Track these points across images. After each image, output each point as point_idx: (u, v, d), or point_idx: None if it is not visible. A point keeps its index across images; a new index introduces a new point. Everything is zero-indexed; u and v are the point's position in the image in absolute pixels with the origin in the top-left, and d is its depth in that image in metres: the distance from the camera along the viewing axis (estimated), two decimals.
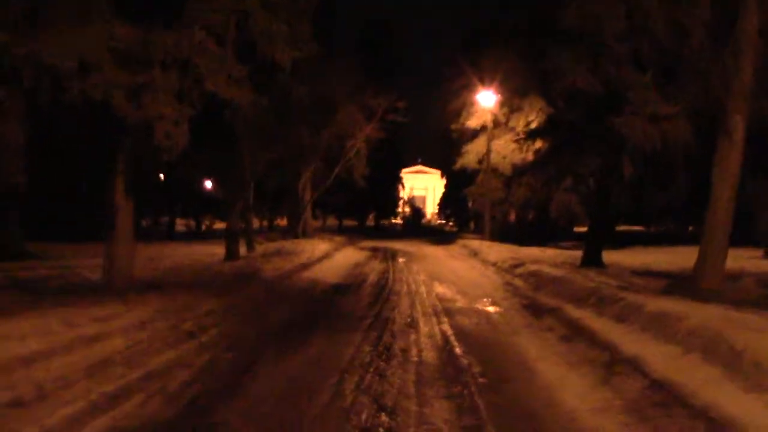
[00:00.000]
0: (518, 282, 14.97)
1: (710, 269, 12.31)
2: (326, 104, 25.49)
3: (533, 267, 16.28)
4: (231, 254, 19.86)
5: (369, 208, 66.25)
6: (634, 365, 6.47)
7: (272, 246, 25.35)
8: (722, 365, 5.84)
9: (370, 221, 71.15)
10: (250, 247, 24.43)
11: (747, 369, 5.53)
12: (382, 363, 6.77)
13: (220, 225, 42.60)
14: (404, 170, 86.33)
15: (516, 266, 17.50)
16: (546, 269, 15.39)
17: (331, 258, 23.38)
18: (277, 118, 15.93)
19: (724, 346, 6.07)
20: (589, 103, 14.46)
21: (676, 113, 11.69)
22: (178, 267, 18.25)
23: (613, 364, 6.71)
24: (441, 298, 12.21)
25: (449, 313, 10.38)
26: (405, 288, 13.90)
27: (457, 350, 7.47)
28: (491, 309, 10.98)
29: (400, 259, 23.08)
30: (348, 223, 68.55)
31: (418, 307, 10.93)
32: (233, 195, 20.57)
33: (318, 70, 23.49)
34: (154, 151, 10.01)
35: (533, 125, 26.33)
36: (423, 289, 13.76)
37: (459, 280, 15.74)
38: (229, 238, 20.18)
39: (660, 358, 6.51)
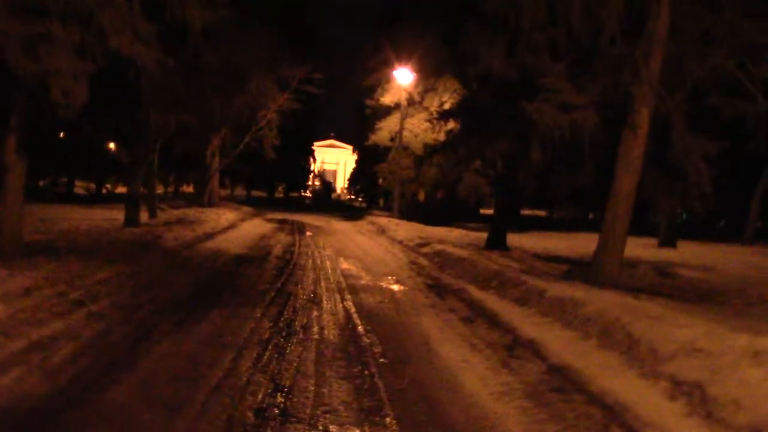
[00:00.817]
0: (424, 261, 15.04)
1: (609, 257, 12.68)
2: (239, 72, 24.71)
3: (439, 247, 16.39)
4: (131, 221, 19.06)
5: (279, 179, 65.38)
6: (534, 349, 6.54)
7: (176, 213, 24.56)
8: (619, 351, 5.98)
9: (280, 193, 70.29)
10: (153, 214, 23.56)
11: (643, 356, 5.67)
12: (281, 340, 6.56)
13: (122, 189, 40.90)
14: (316, 143, 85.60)
15: (422, 245, 17.59)
16: (451, 249, 15.52)
17: (236, 228, 22.87)
18: (186, 82, 15.22)
19: (620, 333, 6.21)
20: (502, 88, 14.56)
21: (586, 104, 11.88)
22: (74, 231, 17.38)
23: (514, 347, 6.77)
24: (346, 275, 12.08)
25: (353, 290, 10.26)
26: (310, 262, 13.70)
27: (360, 329, 7.35)
28: (396, 287, 10.93)
29: (308, 233, 22.82)
30: (257, 193, 67.52)
31: (322, 283, 10.75)
32: (136, 159, 19.73)
33: (231, 35, 22.77)
34: (51, 108, 9.35)
35: (446, 106, 26.49)
36: (328, 264, 13.59)
37: (365, 257, 15.66)
38: (130, 204, 19.35)
39: (559, 342, 6.61)
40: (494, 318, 8.22)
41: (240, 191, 67.59)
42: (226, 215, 26.37)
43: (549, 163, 13.59)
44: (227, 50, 21.87)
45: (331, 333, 7.06)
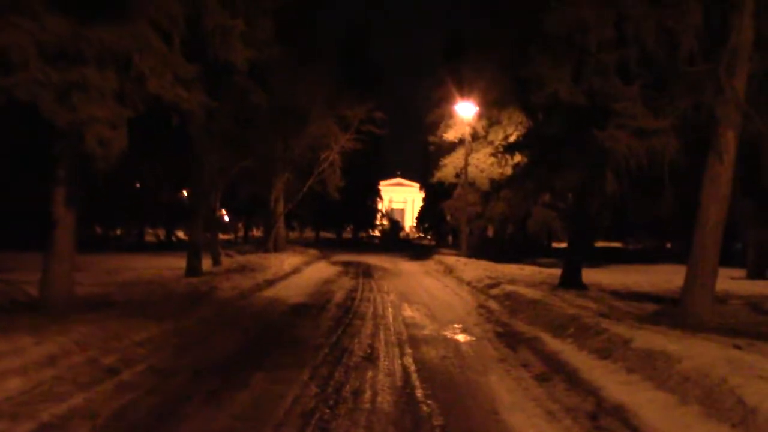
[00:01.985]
0: (493, 304, 14.02)
1: (699, 294, 11.47)
2: (297, 113, 24.48)
3: (509, 288, 15.37)
4: (192, 269, 18.71)
5: (346, 220, 65.15)
6: (623, 418, 5.53)
7: (240, 260, 24.26)
8: (730, 424, 4.92)
9: (348, 234, 69.95)
10: (216, 261, 23.29)
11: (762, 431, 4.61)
12: (327, 411, 5.75)
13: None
14: (383, 183, 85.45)
15: (491, 286, 16.58)
16: (522, 291, 14.48)
17: (299, 273, 22.36)
18: (238, 125, 14.88)
19: (730, 399, 5.15)
20: (570, 116, 13.60)
21: (665, 128, 10.83)
22: (134, 282, 17.11)
23: (598, 414, 5.76)
24: (408, 324, 11.21)
25: (415, 342, 9.38)
26: (371, 310, 12.90)
27: (418, 393, 6.47)
28: (461, 337, 9.99)
29: (373, 276, 22.06)
30: (326, 235, 67.41)
31: (381, 335, 9.91)
32: (194, 204, 19.46)
33: (287, 75, 22.56)
34: (88, 158, 8.93)
35: (512, 139, 25.50)
36: (390, 312, 12.75)
37: (431, 301, 14.76)
38: (191, 252, 19.05)
39: (652, 409, 5.58)
40: (573, 375, 7.20)
41: (309, 233, 67.69)
42: (289, 260, 25.92)
43: (625, 193, 12.47)
44: (283, 91, 21.63)
45: (386, 399, 6.20)
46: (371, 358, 8.12)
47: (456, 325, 11.16)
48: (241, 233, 63.55)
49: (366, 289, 17.12)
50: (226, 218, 55.46)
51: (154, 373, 6.95)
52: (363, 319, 11.62)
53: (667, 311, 12.17)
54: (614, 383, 6.56)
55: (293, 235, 67.41)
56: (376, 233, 79.86)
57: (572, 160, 13.94)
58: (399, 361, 7.98)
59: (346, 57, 49.84)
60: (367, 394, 6.36)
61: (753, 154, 13.20)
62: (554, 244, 47.09)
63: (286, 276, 20.56)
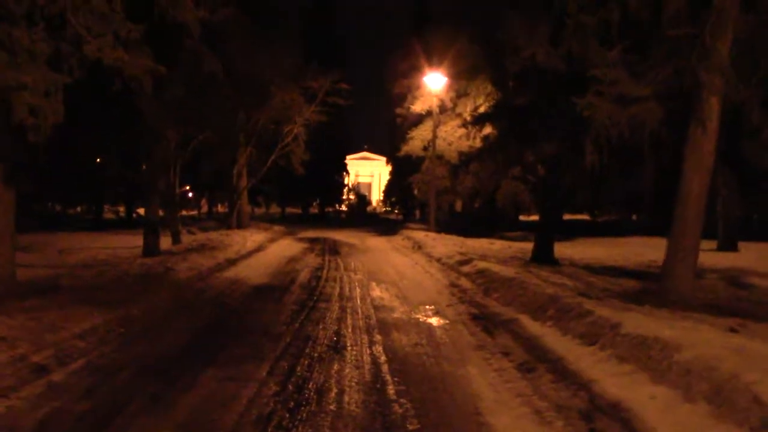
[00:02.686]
0: (466, 283, 13.37)
1: (681, 269, 10.94)
2: (257, 83, 23.40)
3: (482, 264, 14.75)
4: (149, 249, 17.77)
5: (312, 195, 64.13)
6: (623, 420, 4.88)
7: (201, 238, 23.31)
8: (748, 427, 4.29)
9: (315, 209, 68.93)
10: (176, 239, 22.31)
11: None
12: (286, 416, 5.02)
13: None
14: (349, 157, 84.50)
15: (463, 263, 15.94)
16: (496, 268, 13.85)
17: (263, 251, 21.50)
18: (192, 94, 13.88)
19: (744, 398, 4.53)
20: (545, 84, 12.91)
21: (647, 95, 10.18)
22: (87, 263, 16.24)
23: (593, 415, 5.11)
24: (377, 306, 10.50)
25: (385, 327, 8.67)
26: (338, 290, 12.17)
27: (390, 390, 5.76)
28: (435, 321, 9.32)
29: (339, 253, 21.31)
30: (293, 211, 66.37)
31: (349, 320, 9.19)
32: (149, 180, 18.41)
33: (246, 43, 21.47)
34: (21, 130, 7.98)
35: (481, 110, 24.81)
36: (358, 292, 12.03)
37: (400, 280, 14.08)
38: (147, 230, 18.07)
39: (655, 409, 4.94)
40: (559, 365, 6.56)
41: (275, 209, 66.57)
42: (253, 237, 25.02)
43: (603, 165, 11.84)
44: (242, 59, 20.57)
45: (354, 399, 5.49)
46: (337, 348, 7.38)
47: (428, 307, 10.48)
48: (205, 209, 62.25)
49: (332, 268, 16.38)
50: (190, 194, 54.11)
51: (92, 371, 6.14)
52: (329, 301, 10.88)
53: (648, 289, 11.64)
54: (606, 375, 5.92)
55: (259, 211, 66.27)
56: (344, 208, 78.99)
57: (546, 131, 13.28)
58: (368, 351, 7.27)
59: (310, 25, 48.58)
60: (333, 393, 5.64)
61: (732, 121, 12.68)
62: (522, 217, 46.83)
63: (249, 254, 19.70)
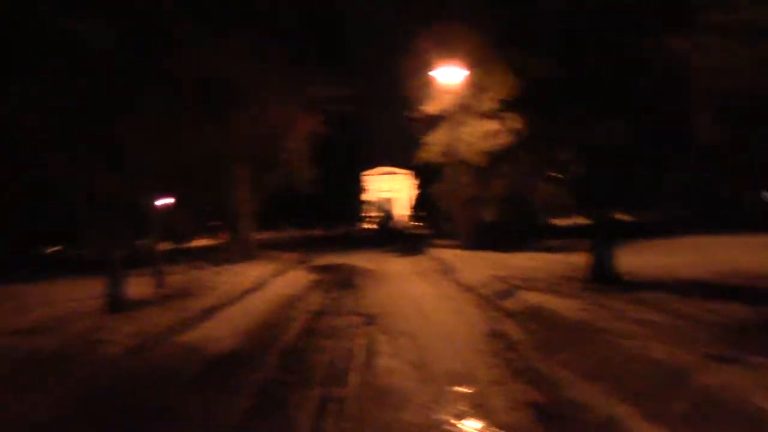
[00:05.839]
0: (513, 329, 9.47)
1: None
2: (246, 90, 19.93)
3: (531, 297, 10.97)
4: (113, 301, 13.96)
5: (333, 215, 60.35)
6: None
7: (190, 278, 19.73)
8: None
9: (340, 229, 65.00)
10: (159, 282, 18.68)
11: None
12: None
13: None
14: (372, 172, 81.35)
15: (504, 294, 12.15)
16: (551, 302, 10.05)
17: (260, 290, 17.82)
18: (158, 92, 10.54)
19: None
20: (604, 40, 9.04)
21: None
22: (21, 328, 12.51)
23: None
24: (381, 391, 6.68)
25: None
26: (329, 359, 8.42)
27: None
28: (474, 427, 5.51)
29: (351, 286, 17.56)
30: (316, 232, 62.72)
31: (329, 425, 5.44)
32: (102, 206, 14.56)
33: (234, 48, 18.12)
34: None
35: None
36: (358, 360, 8.20)
37: (421, 328, 10.25)
38: (109, 274, 14.17)
39: None
40: None
41: (295, 232, 63.01)
42: (254, 271, 21.46)
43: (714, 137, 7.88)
44: (228, 63, 17.18)
45: None
46: None
47: (462, 389, 6.63)
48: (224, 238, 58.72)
49: (337, 312, 12.64)
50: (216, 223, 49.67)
51: None
52: (308, 384, 7.10)
53: None
54: None
55: (282, 234, 62.98)
56: (368, 226, 75.33)
57: (609, 105, 9.39)
58: None
59: (309, 27, 45.23)
60: None
61: None
62: (556, 222, 42.65)
63: (238, 297, 16.04)
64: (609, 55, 8.67)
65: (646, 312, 9.27)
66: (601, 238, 14.54)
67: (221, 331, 11.12)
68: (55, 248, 35.74)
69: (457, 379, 6.97)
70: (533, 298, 10.81)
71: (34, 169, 15.90)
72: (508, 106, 16.18)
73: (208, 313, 13.30)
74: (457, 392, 6.52)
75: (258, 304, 14.70)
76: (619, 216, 45.59)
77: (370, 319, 11.44)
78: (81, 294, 17.09)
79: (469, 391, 6.54)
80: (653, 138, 9.62)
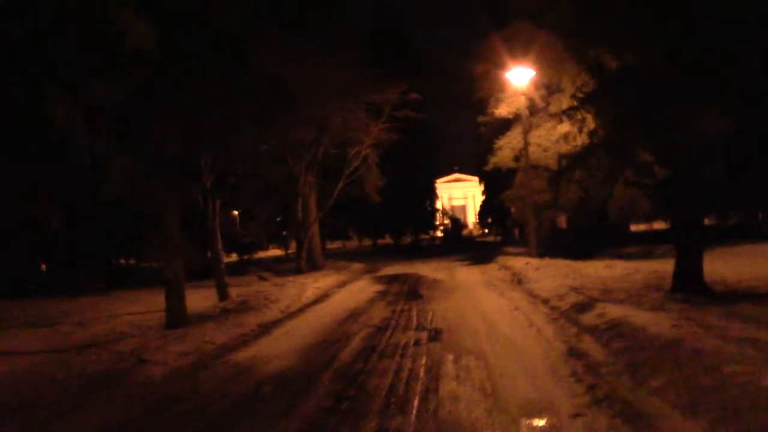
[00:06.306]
0: (594, 349, 8.49)
1: None
2: (311, 96, 19.52)
3: (611, 310, 9.94)
4: (173, 317, 13.59)
5: (402, 224, 59.43)
6: None
7: (252, 290, 19.30)
8: None
9: (409, 238, 64.11)
10: (222, 294, 18.35)
11: None
12: None
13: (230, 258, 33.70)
14: (441, 180, 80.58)
15: (582, 307, 11.13)
16: (637, 317, 9.00)
17: (323, 302, 17.29)
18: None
19: None
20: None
21: None
22: (87, 342, 12.07)
23: None
24: (444, 422, 5.90)
25: None
26: (390, 379, 7.64)
27: None
28: None
29: (418, 296, 16.78)
30: (385, 242, 62.07)
31: None
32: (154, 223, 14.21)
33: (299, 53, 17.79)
34: None
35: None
36: (420, 383, 7.39)
37: (491, 346, 9.37)
38: (168, 291, 13.91)
39: None
40: None
41: (366, 241, 62.49)
42: (319, 282, 20.99)
43: None
44: (292, 69, 16.79)
45: None
46: None
47: (537, 421, 5.75)
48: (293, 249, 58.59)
49: (400, 327, 11.87)
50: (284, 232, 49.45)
51: None
52: (363, 414, 6.33)
53: None
54: None
55: (352, 244, 62.77)
56: (437, 234, 74.27)
57: (713, 94, 8.30)
58: None
59: (376, 34, 44.92)
60: None
61: None
62: (632, 227, 40.78)
63: (300, 310, 15.54)
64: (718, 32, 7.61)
65: (749, 329, 8.14)
66: (689, 244, 13.31)
67: (276, 348, 10.50)
68: (130, 261, 36.19)
69: (531, 409, 6.09)
70: (614, 311, 9.78)
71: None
72: (583, 105, 15.09)
73: (266, 328, 12.81)
74: (531, 426, 5.65)
75: (318, 318, 14.09)
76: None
77: (435, 335, 10.63)
78: (145, 307, 16.93)
79: (546, 424, 5.66)
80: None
